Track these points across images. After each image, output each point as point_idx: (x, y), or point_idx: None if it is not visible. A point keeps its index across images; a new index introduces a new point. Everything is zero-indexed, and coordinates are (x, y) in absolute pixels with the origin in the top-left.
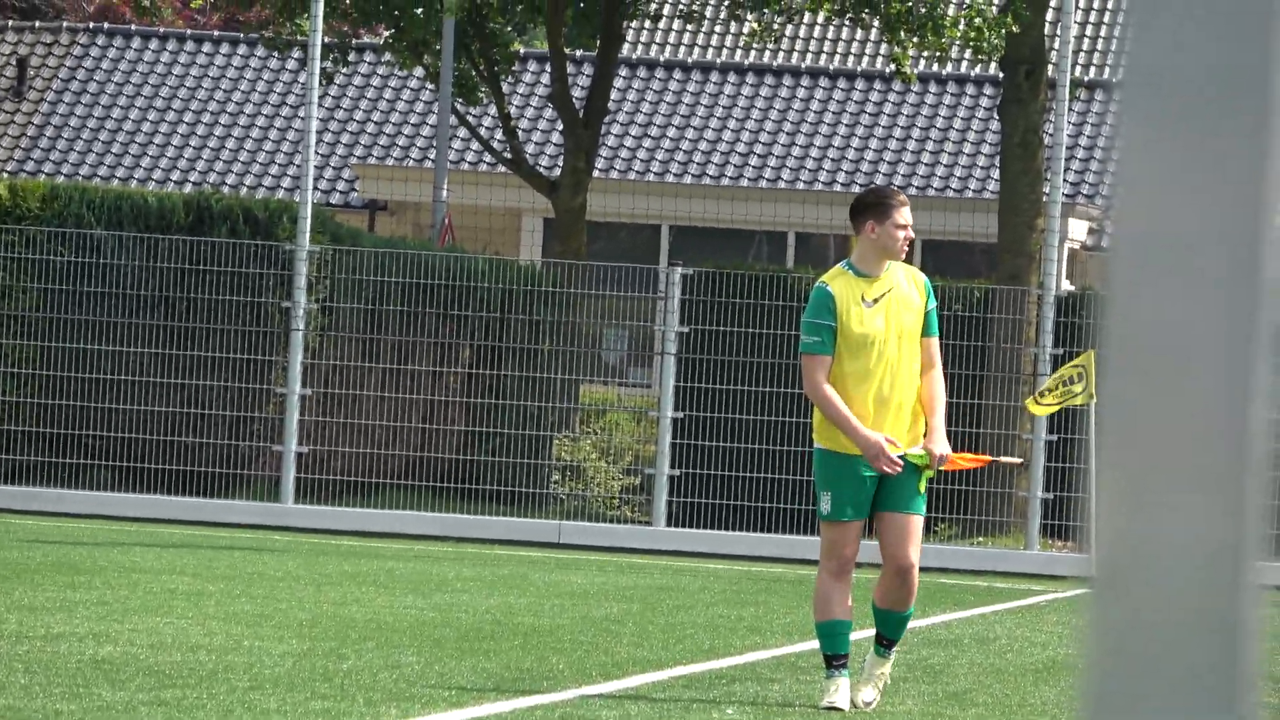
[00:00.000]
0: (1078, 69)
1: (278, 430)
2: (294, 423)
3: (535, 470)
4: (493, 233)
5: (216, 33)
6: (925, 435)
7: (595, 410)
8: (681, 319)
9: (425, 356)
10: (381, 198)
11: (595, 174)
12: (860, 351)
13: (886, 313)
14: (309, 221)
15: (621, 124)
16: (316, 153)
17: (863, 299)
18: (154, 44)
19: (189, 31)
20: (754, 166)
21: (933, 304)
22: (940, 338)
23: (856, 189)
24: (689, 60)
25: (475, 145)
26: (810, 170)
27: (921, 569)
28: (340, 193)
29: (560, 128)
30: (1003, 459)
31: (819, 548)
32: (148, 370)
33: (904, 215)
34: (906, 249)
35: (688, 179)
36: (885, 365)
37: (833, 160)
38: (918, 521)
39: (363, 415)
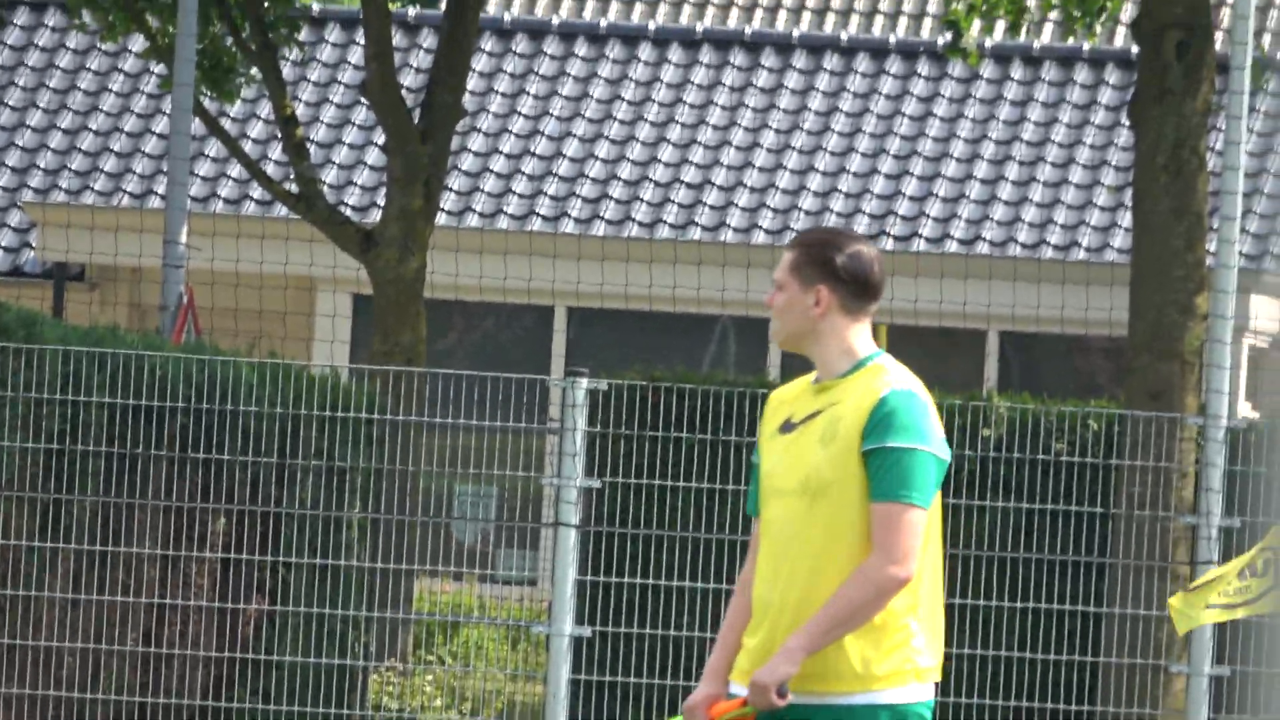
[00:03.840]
0: (1266, 38)
1: None
2: None
3: None
4: (266, 318)
5: None
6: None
7: (442, 625)
8: (589, 466)
9: (153, 532)
10: (75, 259)
11: (441, 220)
12: (765, 510)
13: (798, 447)
14: None
15: (487, 135)
16: None
17: (787, 421)
18: None
19: None
20: (712, 207)
21: (887, 440)
22: (1026, 497)
23: (891, 247)
24: (599, 24)
25: (236, 170)
26: (807, 213)
27: None
28: (5, 250)
29: (381, 141)
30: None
31: None
32: None
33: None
34: (777, 329)
35: (598, 228)
36: (776, 536)
37: (848, 197)
38: None
39: (44, 633)
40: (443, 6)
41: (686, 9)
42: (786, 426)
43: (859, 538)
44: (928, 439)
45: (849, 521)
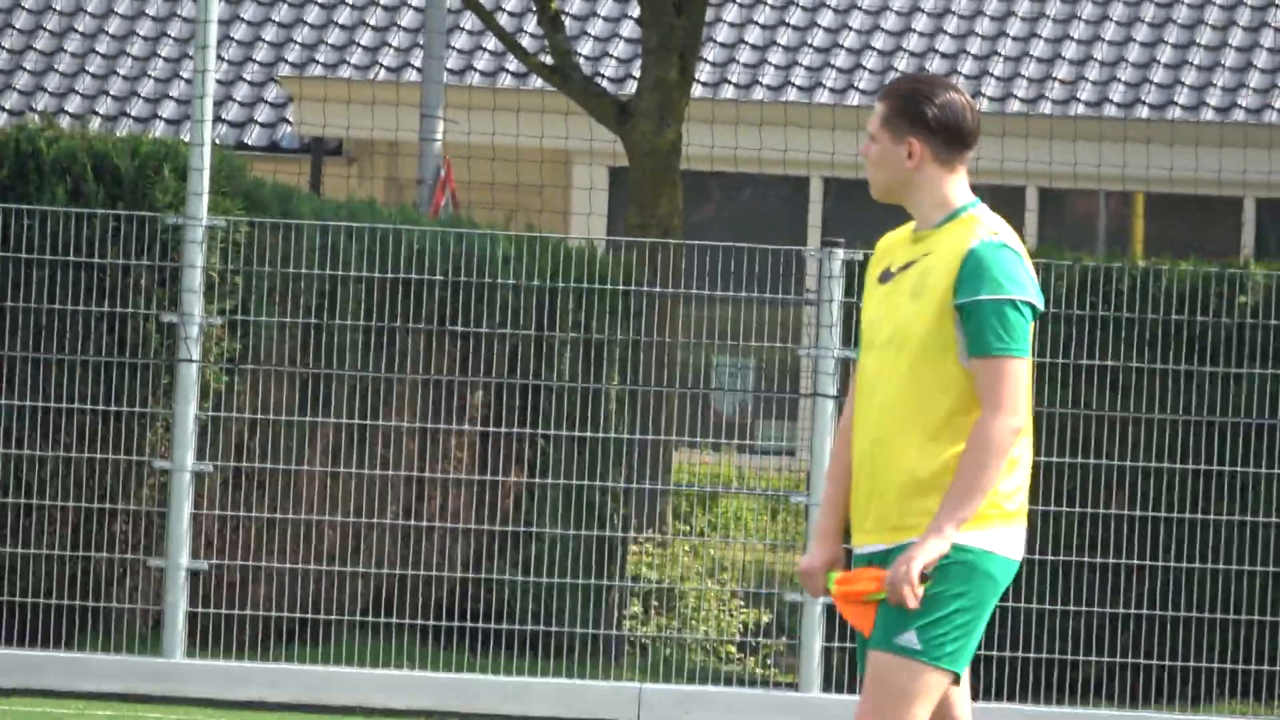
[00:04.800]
0: None
1: (157, 534)
2: (184, 520)
3: (596, 598)
4: (522, 192)
5: None
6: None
7: (699, 495)
8: (846, 336)
9: (411, 405)
10: (332, 134)
11: (697, 92)
12: (861, 360)
13: (892, 298)
14: (207, 175)
15: (741, 6)
16: (220, 57)
17: (886, 270)
18: None
19: None
20: (968, 77)
21: (980, 293)
22: None
23: (1146, 115)
24: None
25: (490, 44)
26: (1099, 82)
27: None
28: (262, 126)
29: (635, 13)
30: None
31: None
32: None
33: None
34: (872, 181)
35: (853, 98)
36: (867, 388)
37: (1101, 64)
38: (884, 663)
39: (303, 507)
40: None
41: None
42: (885, 276)
43: (941, 392)
44: (1020, 287)
45: (931, 375)
